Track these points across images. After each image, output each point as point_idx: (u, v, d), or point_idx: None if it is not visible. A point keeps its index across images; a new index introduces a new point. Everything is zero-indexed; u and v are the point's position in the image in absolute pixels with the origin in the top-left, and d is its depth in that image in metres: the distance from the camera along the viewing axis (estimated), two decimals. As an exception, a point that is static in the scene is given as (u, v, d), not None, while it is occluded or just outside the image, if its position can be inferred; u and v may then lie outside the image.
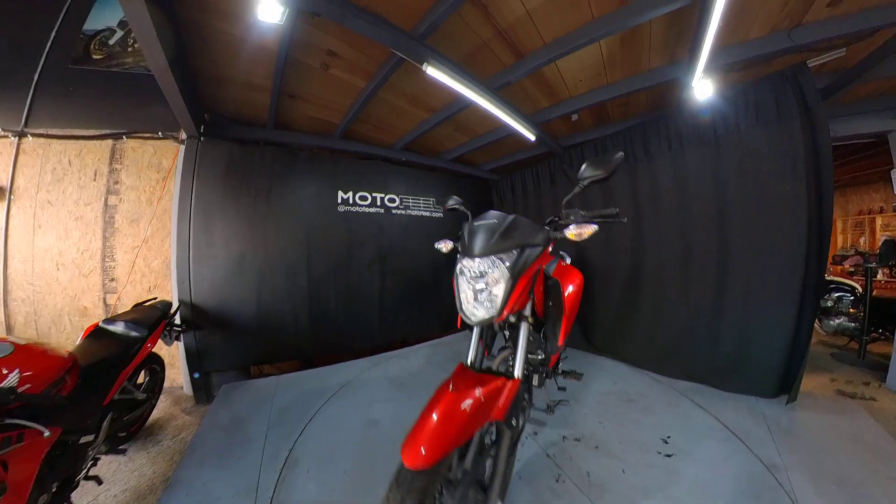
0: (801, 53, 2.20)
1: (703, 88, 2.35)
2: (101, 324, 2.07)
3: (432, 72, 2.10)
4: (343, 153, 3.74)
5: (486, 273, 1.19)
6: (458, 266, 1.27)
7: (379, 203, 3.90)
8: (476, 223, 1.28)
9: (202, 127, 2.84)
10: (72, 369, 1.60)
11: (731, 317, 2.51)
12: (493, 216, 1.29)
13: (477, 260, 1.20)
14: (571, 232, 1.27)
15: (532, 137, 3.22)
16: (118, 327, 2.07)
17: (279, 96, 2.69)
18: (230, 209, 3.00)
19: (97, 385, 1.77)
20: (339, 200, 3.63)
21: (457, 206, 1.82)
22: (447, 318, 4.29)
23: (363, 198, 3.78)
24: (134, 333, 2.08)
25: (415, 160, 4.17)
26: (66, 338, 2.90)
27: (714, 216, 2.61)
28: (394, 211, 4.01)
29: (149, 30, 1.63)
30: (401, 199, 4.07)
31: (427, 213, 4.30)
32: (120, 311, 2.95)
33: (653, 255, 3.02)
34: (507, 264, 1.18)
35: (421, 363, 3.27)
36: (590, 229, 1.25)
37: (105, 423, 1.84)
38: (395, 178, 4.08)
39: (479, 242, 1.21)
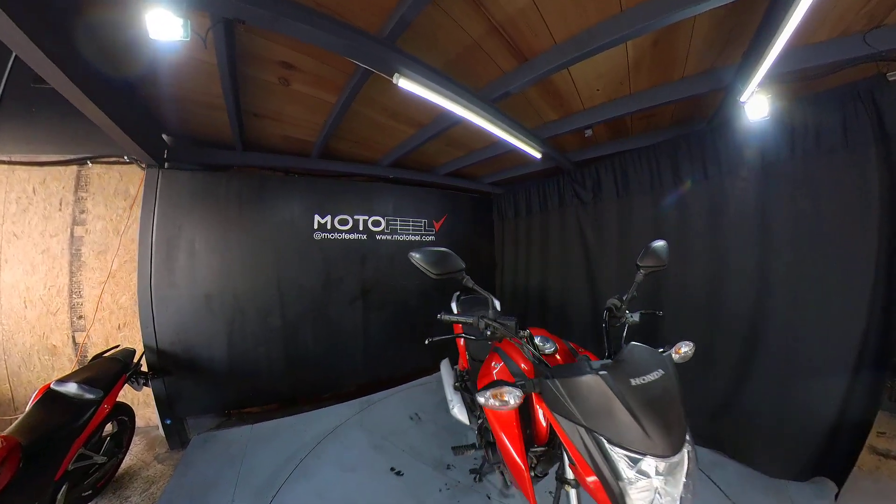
0: (877, 63, 1.71)
1: (756, 103, 1.88)
2: (52, 385, 1.90)
3: (406, 84, 1.68)
4: (323, 173, 3.37)
5: (676, 474, 0.83)
6: (628, 473, 0.83)
7: (361, 227, 3.43)
8: (636, 382, 0.88)
9: (165, 152, 2.56)
10: (9, 456, 1.46)
11: (765, 378, 2.11)
12: (650, 364, 0.95)
13: (669, 459, 0.82)
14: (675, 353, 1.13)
15: (537, 156, 2.79)
16: (70, 389, 1.90)
17: (241, 115, 2.34)
18: (196, 243, 2.72)
19: (44, 463, 1.63)
20: (316, 226, 3.21)
21: (472, 322, 1.19)
22: (438, 353, 3.95)
23: (343, 221, 3.34)
24: (88, 396, 1.91)
25: (404, 176, 3.71)
26: (37, 377, 2.76)
27: (755, 259, 2.17)
28: (378, 236, 3.53)
29: (27, 43, 1.28)
30: (387, 221, 3.57)
31: (416, 238, 3.77)
32: (89, 350, 2.81)
33: (674, 294, 2.59)
34: (691, 444, 0.88)
35: (411, 412, 2.96)
36: (688, 349, 1.15)
37: (60, 496, 1.71)
38: (381, 196, 3.59)
39: (666, 428, 0.83)
